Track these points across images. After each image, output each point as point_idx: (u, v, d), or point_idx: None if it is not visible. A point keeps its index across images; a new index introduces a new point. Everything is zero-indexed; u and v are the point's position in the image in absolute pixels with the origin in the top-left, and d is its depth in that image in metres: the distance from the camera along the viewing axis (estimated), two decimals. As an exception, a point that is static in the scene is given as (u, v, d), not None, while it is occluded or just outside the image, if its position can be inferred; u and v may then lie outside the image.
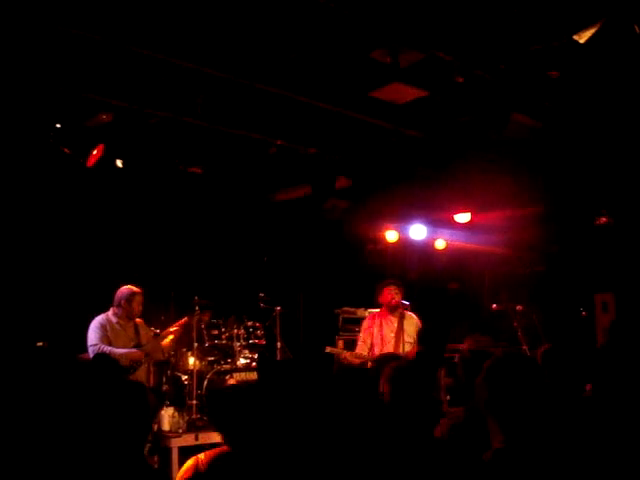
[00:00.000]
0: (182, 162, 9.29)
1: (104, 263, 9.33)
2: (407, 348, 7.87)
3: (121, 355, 7.18)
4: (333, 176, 9.39)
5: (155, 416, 7.11)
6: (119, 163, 8.35)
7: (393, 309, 8.02)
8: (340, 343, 8.19)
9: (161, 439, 7.32)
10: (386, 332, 8.01)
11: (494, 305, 10.06)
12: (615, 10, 5.18)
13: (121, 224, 9.64)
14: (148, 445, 7.05)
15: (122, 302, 7.45)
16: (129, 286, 7.55)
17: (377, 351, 7.94)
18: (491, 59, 6.42)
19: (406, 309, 8.01)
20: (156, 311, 8.58)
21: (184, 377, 8.27)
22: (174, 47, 6.27)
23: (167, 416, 7.54)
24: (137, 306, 7.50)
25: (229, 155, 9.08)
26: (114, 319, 7.44)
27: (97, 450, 3.13)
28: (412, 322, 8.11)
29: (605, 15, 5.21)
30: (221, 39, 6.19)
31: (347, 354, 8.09)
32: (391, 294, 8.00)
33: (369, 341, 8.03)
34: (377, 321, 8.10)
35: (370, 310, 8.89)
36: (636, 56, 5.50)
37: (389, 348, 7.88)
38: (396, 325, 7.96)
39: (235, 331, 8.86)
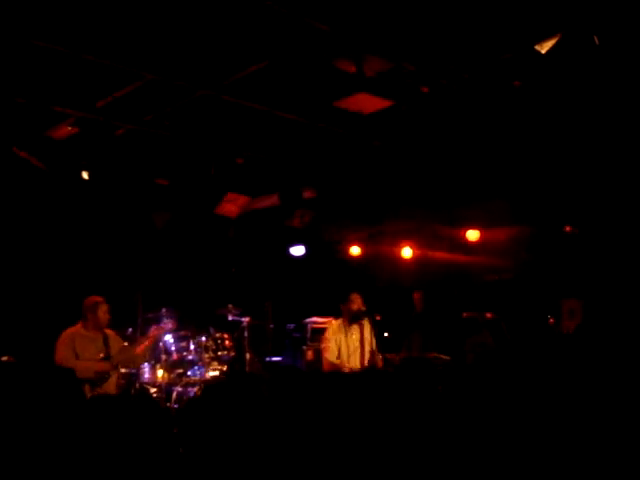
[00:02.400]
0: (149, 173, 9.27)
1: (73, 276, 9.26)
2: (367, 357, 7.88)
3: (87, 367, 7.11)
4: (299, 187, 9.40)
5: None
6: (85, 175, 8.30)
7: (356, 319, 8.02)
8: (309, 353, 8.17)
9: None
10: (351, 341, 8.00)
11: (464, 313, 10.10)
12: (575, 22, 5.26)
13: (88, 236, 9.58)
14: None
15: (87, 313, 7.40)
16: (93, 296, 7.50)
17: (345, 361, 7.94)
18: (455, 69, 6.46)
19: (368, 319, 8.02)
20: (124, 323, 8.51)
21: (152, 389, 8.21)
22: (139, 59, 6.25)
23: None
24: (103, 315, 7.44)
25: (196, 166, 9.06)
26: (83, 331, 7.38)
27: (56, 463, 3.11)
28: (369, 330, 8.09)
29: (565, 26, 5.28)
30: (186, 50, 6.18)
31: (326, 363, 8.06)
32: (355, 303, 8.01)
33: (336, 349, 8.02)
34: (342, 330, 8.09)
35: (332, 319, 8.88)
36: (595, 66, 5.58)
37: (355, 357, 7.87)
38: (359, 334, 7.97)
39: (203, 343, 8.81)
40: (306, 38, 5.84)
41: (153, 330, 7.89)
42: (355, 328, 8.03)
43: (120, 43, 5.98)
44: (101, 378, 7.26)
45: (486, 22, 5.63)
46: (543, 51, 5.30)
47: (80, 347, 7.28)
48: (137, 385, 8.09)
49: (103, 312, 7.45)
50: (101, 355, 7.39)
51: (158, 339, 8.18)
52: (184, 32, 5.83)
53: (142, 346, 7.78)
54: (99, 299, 7.48)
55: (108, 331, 7.61)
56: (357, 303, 8.03)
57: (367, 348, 7.91)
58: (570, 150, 8.17)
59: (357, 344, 7.97)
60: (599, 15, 5.26)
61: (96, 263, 9.57)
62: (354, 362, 7.86)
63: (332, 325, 8.40)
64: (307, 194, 9.56)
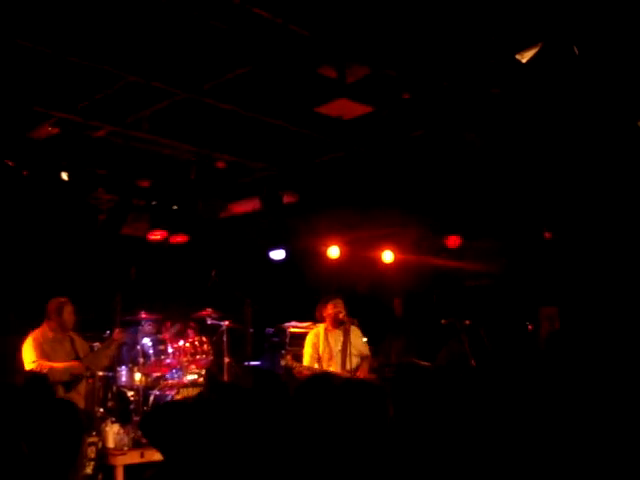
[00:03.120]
0: (129, 175, 9.24)
1: (48, 278, 9.21)
2: (354, 361, 7.90)
3: (62, 369, 7.08)
4: (280, 191, 9.40)
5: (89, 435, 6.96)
6: (64, 176, 8.26)
7: (338, 324, 8.02)
8: (288, 358, 8.16)
9: (105, 456, 7.20)
10: (333, 347, 8.00)
11: (442, 320, 10.13)
12: (556, 32, 5.30)
13: (66, 238, 9.53)
14: (92, 463, 6.95)
15: (53, 314, 7.34)
16: (57, 297, 7.44)
17: (325, 366, 7.93)
18: (436, 76, 6.49)
19: (353, 324, 8.02)
20: (101, 326, 8.47)
21: (130, 393, 8.17)
22: (121, 60, 6.23)
23: (112, 433, 7.42)
24: (68, 316, 7.38)
25: (177, 169, 9.04)
26: (50, 334, 7.31)
27: (25, 469, 3.08)
28: (358, 335, 8.13)
29: (546, 36, 5.32)
30: (168, 53, 6.17)
31: (302, 367, 8.04)
32: (337, 308, 8.01)
33: (316, 355, 8.02)
34: (323, 335, 8.08)
35: (314, 325, 8.88)
36: (575, 75, 5.62)
37: (337, 363, 7.87)
38: (342, 339, 7.97)
39: (182, 346, 8.79)
40: (288, 44, 5.84)
41: (116, 333, 7.82)
42: (338, 333, 8.03)
43: (102, 45, 5.95)
44: (75, 380, 7.22)
45: (466, 30, 5.66)
46: (524, 60, 5.34)
47: (50, 349, 7.22)
48: (114, 388, 8.06)
49: (68, 313, 7.38)
50: (71, 357, 7.34)
51: (121, 343, 8.12)
52: (167, 35, 5.81)
53: (108, 351, 7.74)
54: (63, 300, 7.40)
55: (72, 334, 7.53)
56: (338, 308, 8.03)
57: (354, 352, 7.92)
58: (548, 158, 8.22)
59: (339, 349, 7.96)
60: (579, 25, 5.31)
61: (74, 265, 9.51)
62: (335, 367, 7.84)
63: (312, 331, 8.42)
64: (287, 198, 9.57)
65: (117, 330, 7.90)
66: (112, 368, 8.29)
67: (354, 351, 7.95)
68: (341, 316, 7.96)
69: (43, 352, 7.14)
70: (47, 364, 7.02)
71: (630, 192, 8.74)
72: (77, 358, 7.37)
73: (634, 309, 9.44)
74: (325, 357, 7.98)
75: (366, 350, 8.23)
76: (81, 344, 7.59)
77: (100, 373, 7.93)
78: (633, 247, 9.58)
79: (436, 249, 10.77)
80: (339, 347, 7.96)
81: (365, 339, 8.37)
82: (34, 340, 7.18)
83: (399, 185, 9.11)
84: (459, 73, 6.30)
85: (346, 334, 7.96)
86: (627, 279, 10.02)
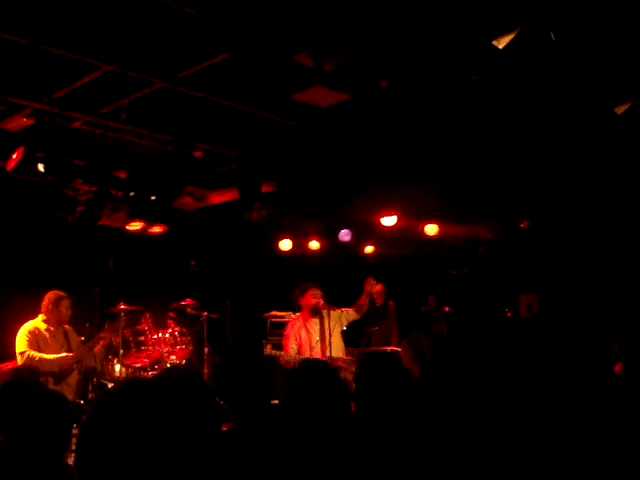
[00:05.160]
0: (107, 166, 9.18)
1: (28, 270, 9.17)
2: (339, 345, 7.90)
3: (52, 361, 7.10)
4: (258, 181, 9.38)
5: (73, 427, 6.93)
6: (41, 167, 8.20)
7: (315, 312, 8.01)
8: (268, 347, 8.16)
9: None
10: (312, 336, 8.00)
11: (422, 307, 10.17)
12: (533, 18, 5.31)
13: (44, 231, 9.48)
14: (74, 455, 6.92)
15: (50, 307, 7.36)
16: (55, 291, 7.45)
17: (305, 355, 7.93)
18: (413, 63, 6.48)
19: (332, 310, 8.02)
20: (81, 318, 8.43)
21: (110, 385, 8.14)
22: (97, 50, 6.17)
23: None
24: (65, 310, 7.41)
25: (155, 159, 9.00)
26: (44, 325, 7.32)
27: (16, 462, 3.07)
28: (335, 316, 8.08)
29: (523, 22, 5.33)
30: (144, 42, 6.12)
31: (288, 357, 8.03)
32: (316, 298, 8.00)
33: (295, 345, 8.02)
34: (301, 325, 8.08)
35: (294, 314, 8.88)
36: (552, 62, 5.63)
37: (317, 352, 7.88)
38: (318, 328, 7.97)
39: (162, 337, 8.77)
40: (264, 32, 5.81)
41: (106, 329, 7.83)
42: (315, 322, 8.03)
43: (77, 34, 5.90)
44: (65, 372, 7.24)
45: (444, 16, 5.65)
46: (500, 46, 5.34)
47: (42, 341, 7.25)
48: (95, 380, 8.02)
49: (65, 307, 7.42)
50: (62, 350, 7.36)
51: (111, 338, 8.11)
52: (142, 23, 5.77)
53: (98, 346, 7.72)
54: (62, 294, 7.45)
55: (67, 326, 7.57)
56: (317, 298, 8.02)
57: (333, 339, 7.89)
58: (526, 146, 8.26)
59: (317, 338, 7.97)
60: (556, 12, 5.33)
61: (51, 257, 9.47)
62: (316, 355, 7.85)
63: (291, 321, 8.42)
64: (266, 188, 9.55)
65: (107, 326, 7.89)
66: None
67: (335, 335, 7.93)
68: (320, 305, 7.95)
69: (35, 343, 7.16)
70: (37, 355, 7.04)
71: (607, 181, 8.81)
72: (69, 351, 7.38)
73: (612, 295, 9.53)
74: (305, 347, 7.98)
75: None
76: (74, 337, 7.61)
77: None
78: (611, 234, 9.66)
79: (415, 237, 10.80)
80: (317, 337, 7.96)
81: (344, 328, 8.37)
82: (27, 331, 7.21)
83: (378, 173, 9.11)
84: (437, 60, 6.30)
85: (322, 322, 7.96)
86: (605, 266, 10.12)
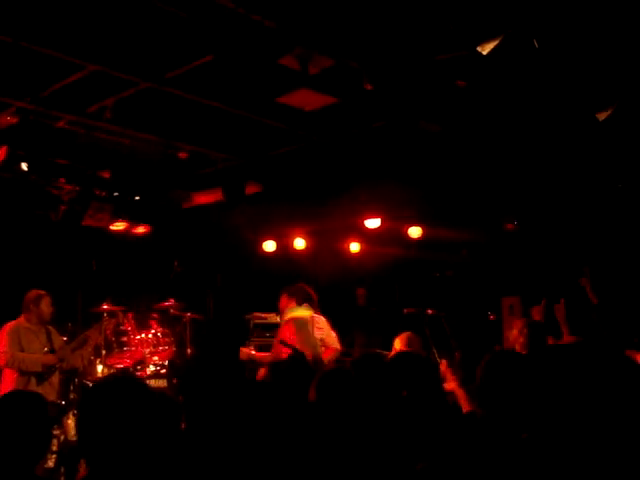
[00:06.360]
0: (91, 165, 9.16)
1: (10, 270, 9.12)
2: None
3: (35, 360, 7.07)
4: (243, 182, 9.39)
5: (53, 427, 6.91)
6: (24, 166, 8.17)
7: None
8: (251, 348, 8.16)
9: (68, 449, 7.15)
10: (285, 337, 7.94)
11: (405, 309, 10.17)
12: (517, 25, 5.35)
13: (27, 230, 9.44)
14: (54, 456, 6.90)
15: (31, 306, 7.33)
16: (35, 290, 7.42)
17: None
18: (400, 68, 6.51)
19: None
20: (64, 318, 8.41)
21: (91, 385, 8.11)
22: (83, 49, 6.16)
23: (74, 426, 7.37)
24: (46, 308, 7.38)
25: (139, 159, 8.97)
26: (26, 324, 7.30)
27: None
28: (316, 323, 8.03)
29: (507, 29, 5.37)
30: (130, 42, 6.12)
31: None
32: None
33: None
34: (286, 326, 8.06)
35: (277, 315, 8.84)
36: (535, 68, 5.68)
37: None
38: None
39: (144, 338, 8.76)
40: (251, 34, 5.82)
41: (93, 330, 7.81)
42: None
43: (63, 33, 5.88)
44: (48, 371, 7.21)
45: (429, 21, 5.69)
46: (484, 52, 5.37)
47: (25, 340, 7.22)
48: (76, 381, 7.99)
49: (46, 305, 7.39)
50: (45, 349, 7.33)
51: (96, 340, 8.09)
52: (128, 23, 5.76)
53: (87, 346, 7.71)
54: (42, 292, 7.42)
55: (49, 326, 7.54)
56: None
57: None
58: (509, 147, 8.30)
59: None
60: (540, 19, 5.37)
61: (34, 256, 9.43)
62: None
63: (282, 323, 8.37)
64: (251, 189, 9.55)
65: (94, 327, 7.87)
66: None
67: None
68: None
69: (17, 342, 7.12)
70: (19, 354, 7.01)
71: (590, 183, 8.87)
72: (52, 350, 7.36)
73: (594, 297, 9.57)
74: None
75: (330, 339, 8.12)
76: (57, 337, 7.58)
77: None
78: (593, 237, 9.72)
79: (399, 240, 10.82)
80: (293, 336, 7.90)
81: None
82: (9, 330, 7.17)
83: (362, 175, 9.13)
84: (422, 65, 6.34)
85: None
86: (587, 269, 10.17)
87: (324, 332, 7.85)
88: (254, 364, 7.68)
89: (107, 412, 2.77)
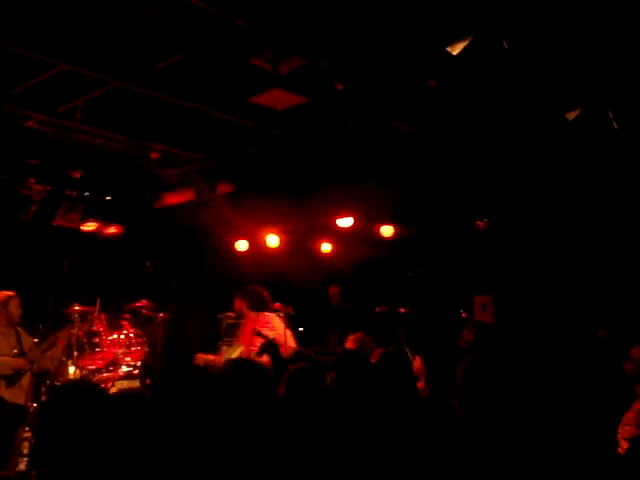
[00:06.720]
0: (62, 165, 9.11)
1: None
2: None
3: (5, 363, 6.98)
4: (215, 181, 9.37)
5: (17, 430, 6.84)
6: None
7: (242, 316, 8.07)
8: (224, 348, 8.15)
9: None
10: (241, 337, 7.97)
11: (377, 308, 10.21)
12: (486, 26, 5.41)
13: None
14: (25, 459, 6.85)
15: None
16: (3, 291, 7.35)
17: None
18: (370, 67, 6.54)
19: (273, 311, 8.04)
20: (35, 320, 8.34)
21: (62, 387, 8.06)
22: (53, 48, 6.12)
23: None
24: (15, 309, 7.29)
25: (111, 159, 8.93)
26: (-6, 327, 7.22)
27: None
28: (267, 323, 8.01)
29: (477, 30, 5.42)
30: (100, 41, 6.09)
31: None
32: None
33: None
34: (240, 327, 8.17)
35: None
36: (505, 69, 5.74)
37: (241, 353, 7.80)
38: (248, 330, 7.93)
39: (116, 339, 8.71)
40: (223, 33, 5.82)
41: (64, 332, 7.74)
42: (245, 323, 8.02)
43: (33, 31, 5.84)
44: (18, 374, 7.12)
45: (401, 21, 5.72)
46: (454, 53, 5.43)
47: (-6, 343, 7.13)
48: (48, 383, 7.93)
49: (15, 307, 7.30)
50: (15, 351, 7.24)
51: (67, 341, 8.03)
52: (99, 22, 5.73)
53: (57, 348, 7.64)
54: (11, 293, 7.34)
55: (18, 328, 7.46)
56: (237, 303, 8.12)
57: (257, 342, 7.81)
58: (481, 146, 8.36)
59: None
60: (509, 20, 5.43)
61: (4, 257, 9.34)
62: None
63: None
64: (223, 188, 9.54)
65: (66, 328, 7.80)
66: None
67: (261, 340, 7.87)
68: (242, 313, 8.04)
69: None
70: None
71: (561, 182, 8.96)
72: (22, 352, 7.26)
73: (566, 296, 9.69)
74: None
75: (284, 337, 8.09)
76: (26, 338, 7.49)
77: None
78: (564, 235, 9.82)
79: (372, 239, 10.85)
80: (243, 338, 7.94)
81: (300, 329, 8.37)
82: None
83: (334, 174, 9.15)
84: (393, 65, 6.37)
85: (253, 325, 7.93)
86: (559, 267, 10.28)
87: (278, 331, 7.90)
88: (212, 368, 7.67)
89: (59, 425, 2.77)
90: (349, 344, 6.60)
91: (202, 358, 7.84)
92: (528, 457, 3.10)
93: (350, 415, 4.05)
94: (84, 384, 3.31)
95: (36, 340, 7.80)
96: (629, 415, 4.93)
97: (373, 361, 4.93)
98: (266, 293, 8.11)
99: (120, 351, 8.75)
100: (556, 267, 10.31)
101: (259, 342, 7.71)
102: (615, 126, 6.84)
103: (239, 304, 8.07)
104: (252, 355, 7.51)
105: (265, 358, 7.49)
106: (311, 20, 5.75)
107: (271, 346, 7.49)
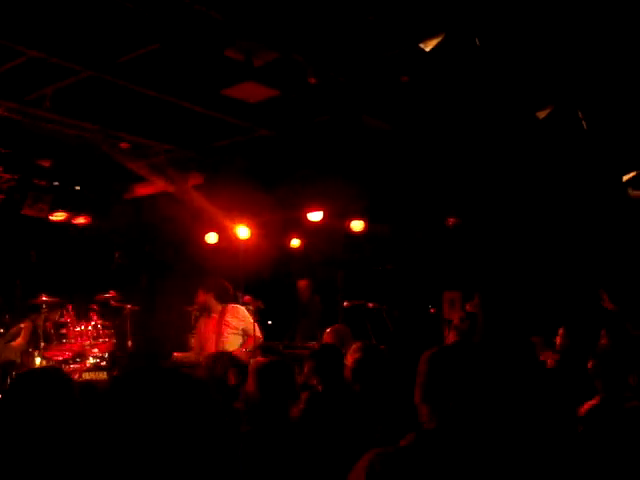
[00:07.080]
0: (30, 154, 9.01)
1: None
2: (234, 340, 7.82)
3: None
4: (185, 172, 9.34)
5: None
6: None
7: (208, 309, 8.07)
8: (193, 341, 8.14)
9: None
10: (208, 330, 7.95)
11: (346, 302, 10.23)
12: (459, 23, 5.44)
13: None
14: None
15: None
16: None
17: (196, 349, 7.94)
18: (344, 62, 6.55)
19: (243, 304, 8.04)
20: (1, 310, 8.27)
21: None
22: (22, 35, 6.04)
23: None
24: None
25: (81, 149, 8.85)
26: (-43, 320, 7.15)
27: None
28: (236, 314, 8.03)
29: (449, 27, 5.45)
30: (71, 29, 6.02)
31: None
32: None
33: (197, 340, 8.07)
34: (202, 320, 8.14)
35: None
36: (477, 66, 5.77)
37: (210, 344, 7.81)
38: (216, 322, 7.92)
39: (84, 330, 8.65)
40: (196, 24, 5.79)
41: (27, 322, 7.69)
42: (214, 316, 8.00)
43: (1, 17, 5.76)
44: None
45: (374, 16, 5.73)
46: (427, 49, 5.45)
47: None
48: (13, 374, 7.86)
49: None
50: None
51: (32, 332, 7.98)
52: (71, 9, 5.67)
53: (18, 341, 7.58)
54: None
55: None
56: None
57: (230, 332, 7.81)
58: (452, 143, 8.41)
59: (212, 332, 7.90)
60: (481, 18, 5.46)
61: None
62: (209, 349, 7.66)
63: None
64: (194, 180, 9.52)
65: (27, 320, 7.74)
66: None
67: (231, 330, 7.86)
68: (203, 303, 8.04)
69: None
70: None
71: (533, 180, 9.03)
72: None
73: (538, 293, 9.76)
74: (199, 340, 8.00)
75: (250, 328, 8.03)
76: None
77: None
78: (535, 231, 9.90)
79: (342, 233, 10.86)
80: (212, 330, 7.93)
81: (269, 322, 8.36)
82: None
83: (305, 168, 9.16)
84: (366, 60, 6.39)
85: (222, 315, 7.92)
86: (531, 264, 10.36)
87: (245, 322, 7.93)
88: (187, 367, 7.66)
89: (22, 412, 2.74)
90: (326, 336, 6.61)
91: (177, 357, 7.86)
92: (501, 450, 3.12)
93: (329, 409, 4.07)
94: (55, 371, 3.26)
95: (1, 330, 7.74)
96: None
97: (350, 354, 4.95)
98: (228, 284, 8.14)
99: (87, 342, 8.69)
100: (525, 264, 10.39)
101: (228, 332, 7.73)
102: (585, 126, 6.91)
103: (203, 297, 8.05)
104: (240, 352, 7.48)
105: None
106: (286, 13, 5.74)
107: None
